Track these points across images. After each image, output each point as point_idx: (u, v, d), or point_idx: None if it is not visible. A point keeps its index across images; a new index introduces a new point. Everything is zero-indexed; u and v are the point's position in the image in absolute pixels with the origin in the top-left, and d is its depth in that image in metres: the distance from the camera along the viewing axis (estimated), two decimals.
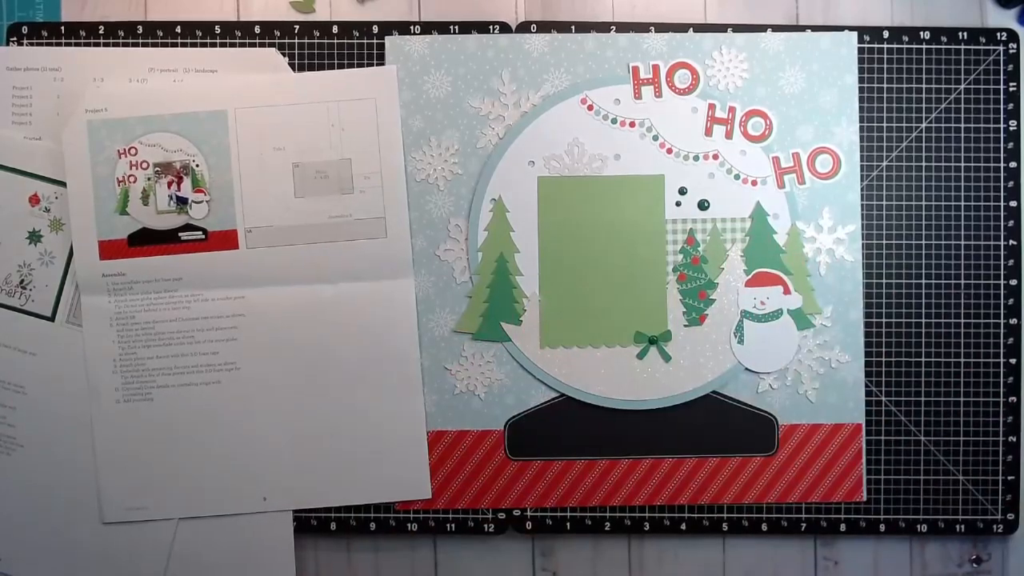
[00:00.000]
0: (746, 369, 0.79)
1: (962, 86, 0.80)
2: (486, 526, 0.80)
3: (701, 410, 0.80)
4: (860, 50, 0.80)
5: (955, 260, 0.80)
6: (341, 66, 0.79)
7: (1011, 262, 0.80)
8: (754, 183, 0.79)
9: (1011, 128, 0.80)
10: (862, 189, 0.80)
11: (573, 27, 0.79)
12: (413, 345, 0.79)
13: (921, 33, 0.80)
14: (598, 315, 0.79)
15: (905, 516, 0.80)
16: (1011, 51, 0.80)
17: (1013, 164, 0.80)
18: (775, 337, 0.79)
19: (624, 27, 0.79)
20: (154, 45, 0.79)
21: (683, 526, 0.80)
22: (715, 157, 0.79)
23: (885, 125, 0.80)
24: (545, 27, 0.79)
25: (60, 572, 0.78)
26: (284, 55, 0.79)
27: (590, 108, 0.79)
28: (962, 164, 0.80)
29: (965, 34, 0.80)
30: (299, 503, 0.79)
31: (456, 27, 0.79)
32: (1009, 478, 0.80)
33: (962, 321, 0.80)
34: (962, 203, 0.80)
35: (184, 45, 0.79)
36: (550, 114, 0.79)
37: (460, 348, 0.79)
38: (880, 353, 0.80)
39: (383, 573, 0.81)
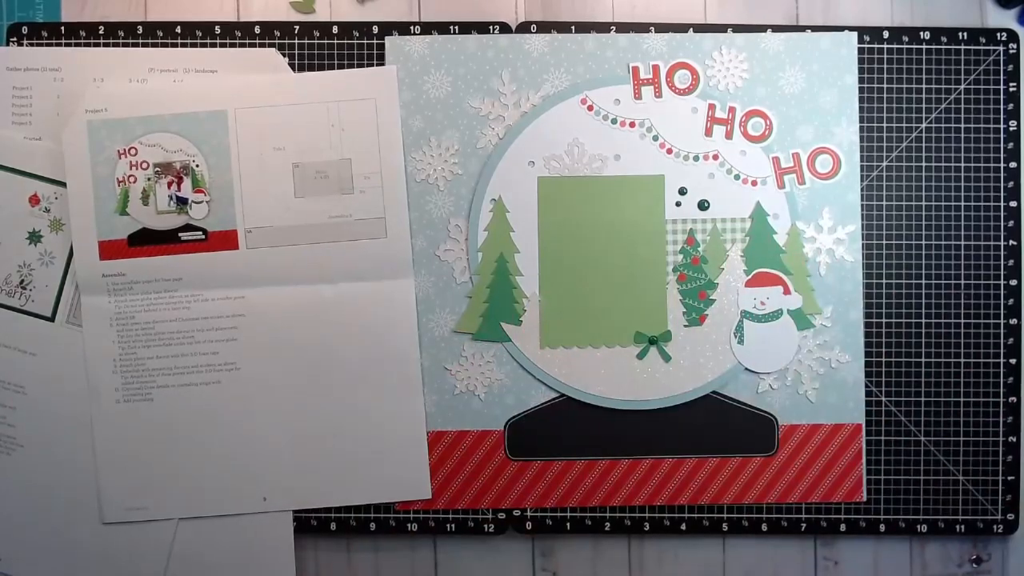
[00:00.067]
0: (746, 369, 0.79)
1: (962, 86, 0.80)
2: (486, 526, 0.80)
3: (701, 410, 0.80)
4: (860, 50, 0.80)
5: (955, 260, 0.80)
6: (341, 66, 0.79)
7: (1011, 262, 0.80)
8: (754, 183, 0.79)
9: (1011, 128, 0.80)
10: (862, 189, 0.80)
11: (573, 27, 0.79)
12: (413, 345, 0.79)
13: (921, 33, 0.80)
14: (598, 315, 0.79)
15: (905, 516, 0.80)
16: (1011, 51, 0.80)
17: (1013, 164, 0.80)
18: (775, 337, 0.79)
19: (624, 27, 0.79)
20: (154, 45, 0.79)
21: (683, 526, 0.80)
22: (715, 157, 0.79)
23: (885, 125, 0.80)
24: (545, 27, 0.79)
25: (60, 572, 0.78)
26: (284, 55, 0.79)
27: (590, 108, 0.79)
28: (962, 164, 0.80)
29: (965, 34, 0.80)
30: (299, 503, 0.79)
31: (456, 27, 0.79)
32: (1009, 478, 0.80)
33: (962, 321, 0.80)
34: (962, 203, 0.80)
35: (184, 45, 0.79)
36: (550, 114, 0.79)
37: (460, 348, 0.79)
38: (880, 353, 0.80)
39: (383, 573, 0.81)
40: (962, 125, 0.80)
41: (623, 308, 0.79)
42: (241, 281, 0.78)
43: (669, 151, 0.79)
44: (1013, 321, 0.80)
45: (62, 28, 0.79)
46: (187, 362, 0.78)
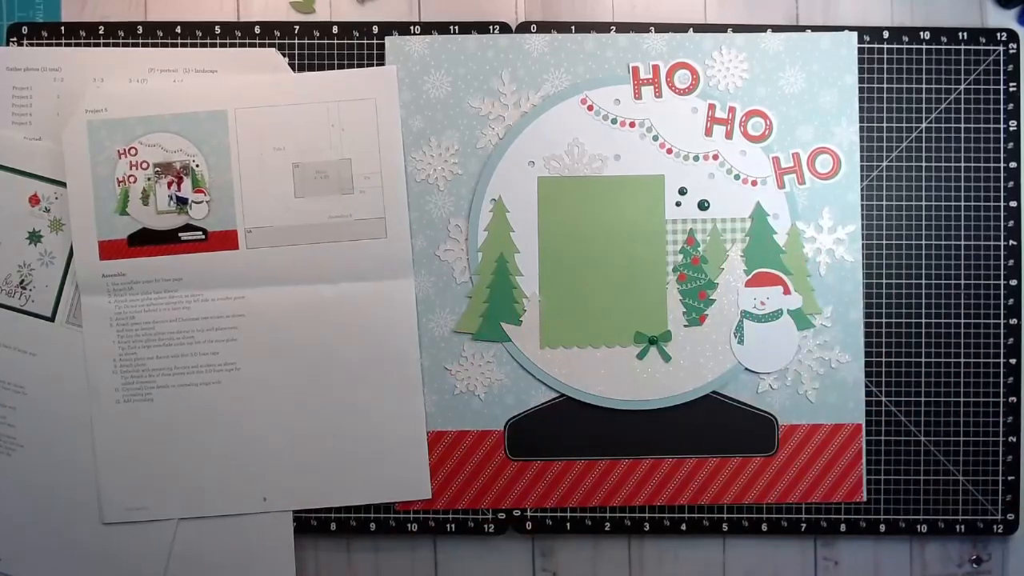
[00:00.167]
0: (746, 369, 0.79)
1: (962, 86, 0.80)
2: (486, 526, 0.80)
3: (701, 410, 0.80)
4: (860, 50, 0.80)
5: (955, 260, 0.80)
6: (341, 66, 0.79)
7: (1011, 262, 0.80)
8: (754, 183, 0.79)
9: (1011, 128, 0.80)
10: (862, 189, 0.80)
11: (573, 27, 0.79)
12: (413, 345, 0.79)
13: (921, 33, 0.80)
14: (598, 315, 0.79)
15: (905, 516, 0.80)
16: (1011, 51, 0.80)
17: (1013, 164, 0.80)
18: (775, 337, 0.79)
19: (624, 27, 0.79)
20: (154, 45, 0.79)
21: (683, 526, 0.80)
22: (715, 157, 0.79)
23: (885, 125, 0.80)
24: (545, 27, 0.79)
25: (60, 572, 0.78)
26: (284, 55, 0.79)
27: (590, 108, 0.79)
28: (962, 164, 0.80)
29: (965, 34, 0.80)
30: (299, 503, 0.79)
31: (456, 27, 0.79)
32: (1009, 478, 0.80)
33: (962, 321, 0.80)
34: (962, 203, 0.80)
35: (184, 45, 0.79)
36: (550, 114, 0.79)
37: (460, 348, 0.79)
38: (880, 353, 0.80)
39: (383, 573, 0.81)
40: (962, 125, 0.80)
41: (623, 308, 0.79)
42: (241, 281, 0.78)
43: (669, 151, 0.79)
44: (1013, 321, 0.80)
45: (62, 28, 0.79)
46: (187, 362, 0.78)
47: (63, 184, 0.77)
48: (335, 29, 0.79)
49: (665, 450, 0.80)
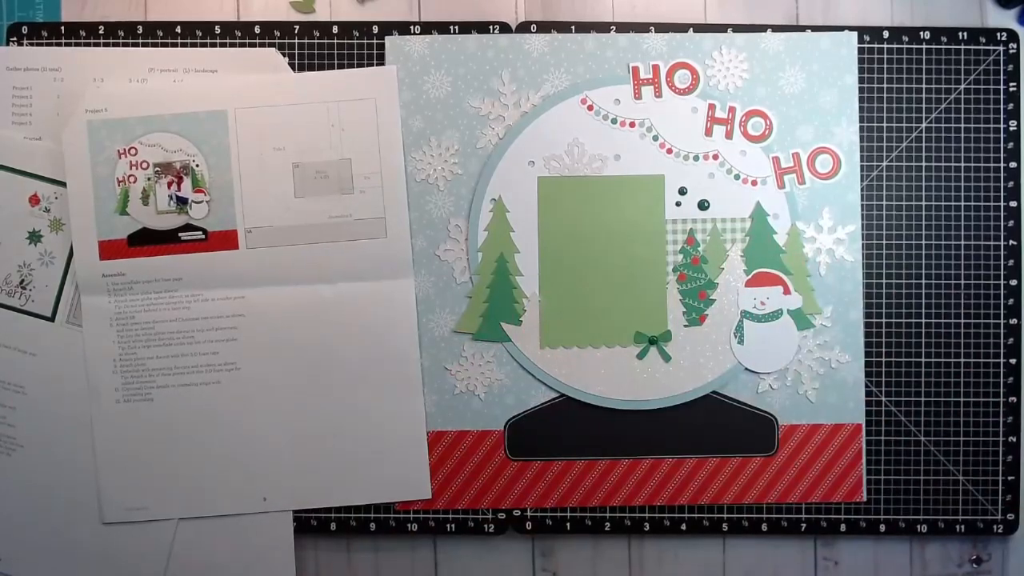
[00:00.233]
0: (746, 369, 0.79)
1: (962, 86, 0.80)
2: (486, 526, 0.80)
3: (701, 410, 0.80)
4: (860, 50, 0.80)
5: (955, 260, 0.80)
6: (341, 66, 0.79)
7: (1011, 262, 0.80)
8: (754, 183, 0.79)
9: (1011, 128, 0.80)
10: (862, 189, 0.80)
11: (573, 27, 0.79)
12: (413, 345, 0.79)
13: (921, 33, 0.80)
14: (598, 315, 0.79)
15: (905, 516, 0.80)
16: (1011, 51, 0.80)
17: (1013, 164, 0.80)
18: (775, 337, 0.79)
19: (624, 27, 0.79)
20: (154, 45, 0.79)
21: (683, 526, 0.80)
22: (715, 157, 0.79)
23: (885, 125, 0.80)
24: (545, 27, 0.79)
25: (60, 572, 0.78)
26: (284, 55, 0.79)
27: (590, 108, 0.79)
28: (962, 164, 0.80)
29: (965, 34, 0.80)
30: (299, 503, 0.79)
31: (456, 27, 0.79)
32: (1009, 478, 0.80)
33: (962, 321, 0.80)
34: (962, 203, 0.80)
35: (184, 45, 0.79)
36: (550, 114, 0.79)
37: (460, 348, 0.79)
38: (880, 353, 0.80)
39: (383, 573, 0.81)
40: (962, 125, 0.80)
41: (623, 308, 0.79)
42: (241, 281, 0.78)
43: (669, 151, 0.79)
44: (1013, 321, 0.80)
45: (62, 28, 0.79)
46: (187, 362, 0.78)
47: (63, 184, 0.77)
48: (335, 29, 0.79)
49: (665, 450, 0.80)
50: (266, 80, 0.78)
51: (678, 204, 0.79)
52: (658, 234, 0.79)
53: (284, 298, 0.78)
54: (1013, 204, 0.80)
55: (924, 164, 0.80)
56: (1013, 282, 0.80)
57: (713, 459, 0.80)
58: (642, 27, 0.79)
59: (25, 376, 0.78)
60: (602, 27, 0.79)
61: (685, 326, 0.79)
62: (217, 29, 0.79)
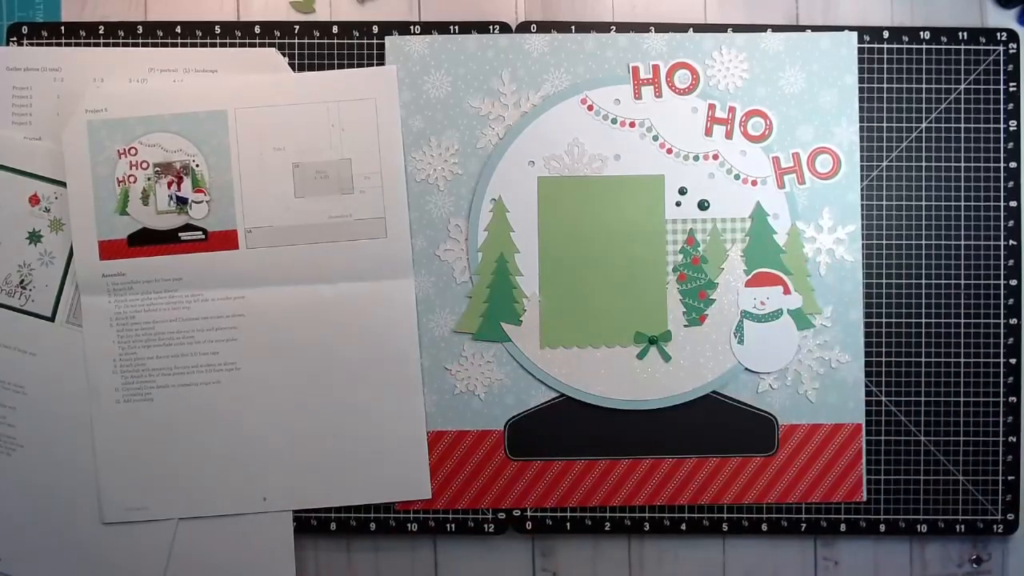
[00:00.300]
0: (746, 369, 0.79)
1: (962, 86, 0.80)
2: (486, 526, 0.80)
3: (701, 410, 0.80)
4: (860, 50, 0.80)
5: (955, 260, 0.80)
6: (341, 66, 0.79)
7: (1011, 262, 0.80)
8: (754, 183, 0.79)
9: (1011, 128, 0.80)
10: (862, 189, 0.80)
11: (573, 27, 0.79)
12: (413, 345, 0.79)
13: (921, 33, 0.80)
14: (598, 315, 0.79)
15: (905, 516, 0.80)
16: (1011, 51, 0.80)
17: (1013, 164, 0.80)
18: (775, 337, 0.79)
19: (624, 27, 0.79)
20: (154, 45, 0.79)
21: (683, 526, 0.80)
22: (715, 157, 0.79)
23: (885, 125, 0.80)
24: (545, 27, 0.79)
25: (60, 572, 0.78)
26: (284, 55, 0.79)
27: (590, 108, 0.79)
28: (962, 164, 0.80)
29: (965, 34, 0.80)
30: (299, 503, 0.79)
31: (456, 27, 0.79)
32: (1009, 478, 0.80)
33: (962, 321, 0.80)
34: (962, 203, 0.80)
35: (184, 45, 0.79)
36: (550, 114, 0.79)
37: (460, 348, 0.79)
38: (880, 353, 0.80)
39: (383, 573, 0.81)
40: (962, 125, 0.80)
41: (623, 308, 0.79)
42: (241, 281, 0.78)
43: (669, 151, 0.79)
44: (1013, 321, 0.80)
45: (62, 28, 0.79)
46: (187, 362, 0.78)
47: (63, 184, 0.77)
48: (335, 29, 0.79)
49: (665, 450, 0.80)
50: (266, 80, 0.78)
51: (678, 204, 0.79)
52: (658, 234, 0.79)
53: (284, 298, 0.78)
54: (1013, 204, 0.80)
55: (924, 164, 0.80)
56: (1013, 282, 0.80)
57: (713, 459, 0.80)
58: (642, 27, 0.79)
59: (25, 376, 0.78)
60: (602, 27, 0.79)
61: (685, 326, 0.79)
62: (217, 29, 0.79)
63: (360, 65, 0.79)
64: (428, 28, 0.79)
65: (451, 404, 0.79)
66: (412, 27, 0.79)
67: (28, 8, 0.80)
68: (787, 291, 0.79)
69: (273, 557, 0.79)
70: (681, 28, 0.79)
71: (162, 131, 0.77)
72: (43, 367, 0.78)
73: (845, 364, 0.80)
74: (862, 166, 0.80)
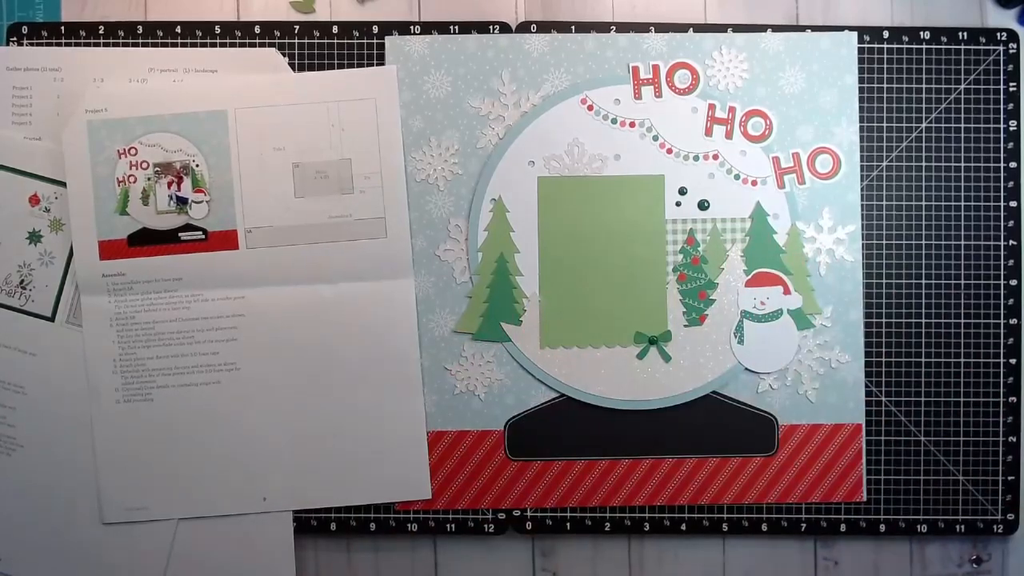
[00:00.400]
0: (746, 369, 0.79)
1: (962, 86, 0.80)
2: (486, 526, 0.80)
3: (701, 410, 0.80)
4: (860, 50, 0.80)
5: (955, 260, 0.80)
6: (341, 66, 0.79)
7: (1011, 262, 0.80)
8: (754, 183, 0.79)
9: (1011, 128, 0.80)
10: (862, 189, 0.80)
11: (573, 27, 0.79)
12: (413, 345, 0.79)
13: (921, 33, 0.80)
14: (598, 315, 0.79)
15: (905, 516, 0.80)
16: (1011, 51, 0.80)
17: (1013, 164, 0.80)
18: (775, 337, 0.79)
19: (624, 27, 0.79)
20: (154, 45, 0.79)
21: (683, 526, 0.80)
22: (715, 157, 0.79)
23: (885, 125, 0.80)
24: (545, 27, 0.79)
25: (60, 572, 0.78)
26: (284, 55, 0.79)
27: (590, 108, 0.79)
28: (962, 164, 0.80)
29: (965, 34, 0.80)
30: (299, 503, 0.79)
31: (456, 27, 0.79)
32: (1009, 478, 0.80)
33: (962, 321, 0.80)
34: (962, 203, 0.80)
35: (184, 45, 0.79)
36: (550, 114, 0.79)
37: (460, 348, 0.79)
38: (880, 353, 0.80)
39: (383, 573, 0.81)
40: (962, 125, 0.80)
41: (623, 308, 0.79)
42: (241, 281, 0.78)
43: (669, 151, 0.79)
44: (1013, 321, 0.80)
45: (62, 28, 0.79)
46: (187, 362, 0.78)
47: (63, 184, 0.77)
48: (335, 29, 0.79)
49: (665, 450, 0.80)
50: (266, 80, 0.78)
51: (678, 204, 0.79)
52: (658, 234, 0.79)
53: (284, 298, 0.78)
54: (1013, 204, 0.80)
55: (924, 164, 0.80)
56: (1013, 282, 0.80)
57: (713, 459, 0.80)
58: (642, 27, 0.79)
59: (25, 376, 0.78)
60: (602, 27, 0.79)
61: (685, 326, 0.79)
62: (217, 29, 0.79)
63: (360, 65, 0.79)
64: (428, 28, 0.79)
65: (451, 404, 0.79)
66: (412, 27, 0.79)
67: (28, 8, 0.80)
68: (787, 291, 0.79)
69: (273, 557, 0.79)
70: (681, 28, 0.79)
71: (162, 131, 0.77)
72: (43, 367, 0.78)
73: (845, 364, 0.80)
74: (862, 166, 0.80)
